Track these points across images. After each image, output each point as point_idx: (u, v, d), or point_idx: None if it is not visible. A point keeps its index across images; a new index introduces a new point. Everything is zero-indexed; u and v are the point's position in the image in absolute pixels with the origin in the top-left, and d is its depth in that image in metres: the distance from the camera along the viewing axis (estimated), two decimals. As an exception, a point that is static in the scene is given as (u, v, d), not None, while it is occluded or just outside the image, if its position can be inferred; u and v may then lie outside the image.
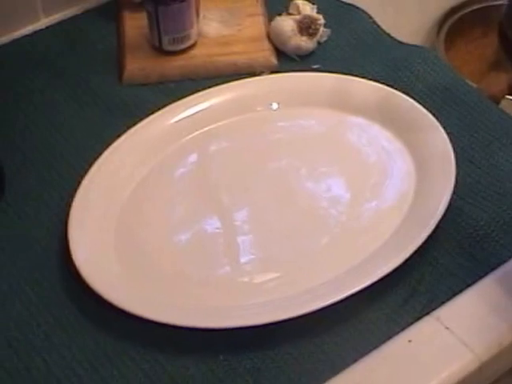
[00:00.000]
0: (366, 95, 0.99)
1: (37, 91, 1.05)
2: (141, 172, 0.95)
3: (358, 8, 1.14)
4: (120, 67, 1.07)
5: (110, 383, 0.79)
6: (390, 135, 0.96)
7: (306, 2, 1.09)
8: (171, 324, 0.79)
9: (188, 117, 0.99)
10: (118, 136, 0.96)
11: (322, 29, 1.07)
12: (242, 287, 0.85)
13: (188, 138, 0.98)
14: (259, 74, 1.05)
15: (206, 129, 0.99)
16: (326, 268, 0.85)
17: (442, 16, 1.40)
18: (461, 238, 0.87)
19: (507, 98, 1.17)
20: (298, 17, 1.07)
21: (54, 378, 0.79)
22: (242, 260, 0.87)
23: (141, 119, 0.98)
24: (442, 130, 0.93)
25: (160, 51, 1.07)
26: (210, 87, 1.02)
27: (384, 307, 0.82)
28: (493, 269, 0.84)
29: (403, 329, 0.80)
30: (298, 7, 1.08)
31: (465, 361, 0.78)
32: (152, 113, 0.99)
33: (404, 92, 0.99)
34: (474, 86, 1.05)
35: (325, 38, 1.09)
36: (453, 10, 1.40)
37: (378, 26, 1.12)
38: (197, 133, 0.99)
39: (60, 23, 1.15)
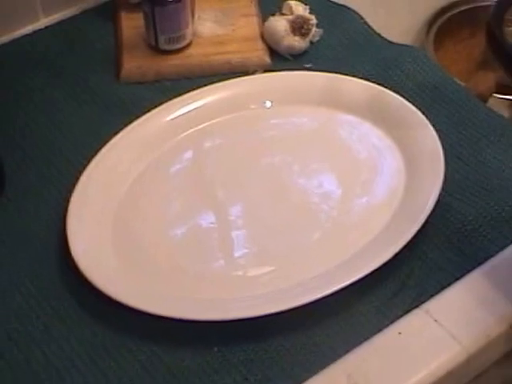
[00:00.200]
0: (357, 94, 0.99)
1: (36, 90, 1.05)
2: (137, 168, 0.95)
3: (349, 9, 1.14)
4: (117, 66, 1.07)
5: (107, 374, 0.79)
6: (380, 133, 0.96)
7: (298, 3, 1.09)
8: (167, 316, 0.80)
9: (183, 114, 0.99)
10: (116, 133, 0.96)
11: (314, 29, 1.08)
12: (236, 281, 0.85)
13: (184, 135, 0.99)
14: (253, 73, 1.05)
15: (201, 126, 0.99)
16: (318, 262, 0.85)
17: (431, 16, 1.40)
18: (449, 233, 0.87)
19: (495, 97, 1.18)
20: (290, 17, 1.08)
21: (53, 369, 0.79)
22: (236, 254, 0.88)
23: (137, 117, 0.98)
24: (431, 128, 0.94)
25: (156, 50, 1.07)
26: (205, 85, 1.02)
27: (374, 300, 0.82)
28: (480, 263, 0.85)
29: (393, 321, 0.80)
30: (290, 7, 1.09)
31: (453, 352, 0.78)
32: (148, 110, 0.99)
33: (394, 90, 0.99)
34: (463, 84, 1.05)
35: (317, 38, 1.09)
36: (442, 11, 1.40)
37: (369, 27, 1.12)
38: (192, 130, 0.99)
39: (59, 23, 1.15)
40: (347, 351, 0.78)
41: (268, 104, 1.01)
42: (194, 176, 0.96)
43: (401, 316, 0.81)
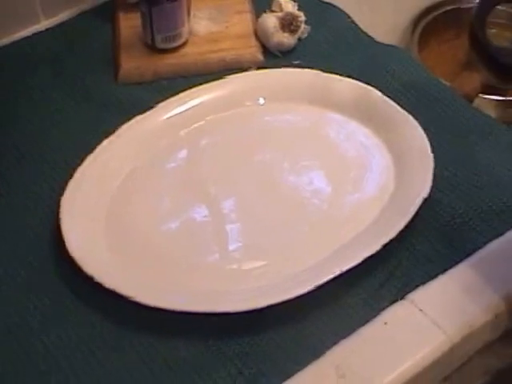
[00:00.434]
0: (345, 92, 1.00)
1: (35, 89, 1.05)
2: (131, 164, 0.95)
3: (335, 6, 1.15)
4: (115, 66, 1.08)
5: (105, 365, 0.79)
6: (367, 131, 0.97)
7: (287, 0, 1.10)
8: (161, 307, 0.80)
9: (180, 113, 1.00)
10: (112, 132, 0.97)
11: (303, 25, 1.08)
12: (230, 274, 0.86)
13: (180, 133, 0.99)
14: (246, 70, 1.05)
15: (197, 124, 1.00)
16: (310, 255, 0.86)
17: (416, 16, 1.39)
18: (439, 226, 0.88)
19: (480, 97, 1.18)
20: (280, 14, 1.08)
21: (52, 360, 0.80)
22: (231, 247, 0.88)
23: (135, 116, 0.98)
24: (419, 126, 0.94)
25: (153, 49, 1.07)
26: (200, 84, 1.02)
27: (361, 292, 0.83)
28: (468, 255, 0.85)
29: (379, 312, 0.81)
30: (280, 5, 1.09)
31: (437, 342, 0.78)
32: (145, 110, 0.99)
33: (380, 90, 0.99)
34: (448, 84, 1.05)
35: (305, 35, 1.09)
36: (427, 11, 1.39)
37: (356, 25, 1.12)
38: (188, 128, 0.99)
39: (59, 25, 1.14)
40: (335, 343, 0.79)
41: (261, 101, 1.02)
42: (187, 172, 0.96)
43: (387, 306, 0.81)
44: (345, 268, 0.81)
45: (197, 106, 1.00)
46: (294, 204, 0.91)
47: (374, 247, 0.83)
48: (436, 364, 0.78)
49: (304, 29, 1.08)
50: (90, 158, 0.94)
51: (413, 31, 1.35)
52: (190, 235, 0.89)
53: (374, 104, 0.98)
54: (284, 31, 1.07)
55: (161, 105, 1.00)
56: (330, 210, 0.91)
